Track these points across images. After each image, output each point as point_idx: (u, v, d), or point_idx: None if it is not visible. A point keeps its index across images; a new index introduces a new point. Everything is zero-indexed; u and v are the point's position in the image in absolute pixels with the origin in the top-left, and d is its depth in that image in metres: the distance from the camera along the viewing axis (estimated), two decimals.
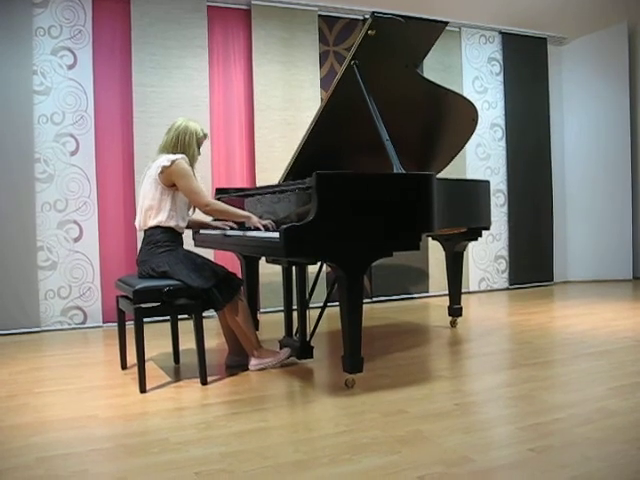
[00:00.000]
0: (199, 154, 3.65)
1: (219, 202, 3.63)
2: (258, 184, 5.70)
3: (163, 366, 3.78)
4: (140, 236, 3.66)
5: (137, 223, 3.59)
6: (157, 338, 4.34)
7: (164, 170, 3.41)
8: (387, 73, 3.74)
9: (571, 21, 7.02)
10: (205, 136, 3.67)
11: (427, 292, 6.67)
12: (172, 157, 3.43)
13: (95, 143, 5.31)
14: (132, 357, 3.45)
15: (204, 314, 3.38)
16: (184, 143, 3.54)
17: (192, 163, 3.56)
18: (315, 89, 6.11)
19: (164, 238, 3.45)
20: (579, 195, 7.41)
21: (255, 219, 3.47)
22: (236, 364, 3.70)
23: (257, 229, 3.42)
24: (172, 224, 3.48)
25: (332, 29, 6.25)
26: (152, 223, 3.47)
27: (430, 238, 5.03)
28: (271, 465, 2.23)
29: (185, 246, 3.60)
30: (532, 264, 7.19)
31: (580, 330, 4.54)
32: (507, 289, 7.08)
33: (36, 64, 5.13)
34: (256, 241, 3.35)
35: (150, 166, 3.56)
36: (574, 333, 4.45)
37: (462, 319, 4.94)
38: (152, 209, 3.47)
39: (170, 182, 3.44)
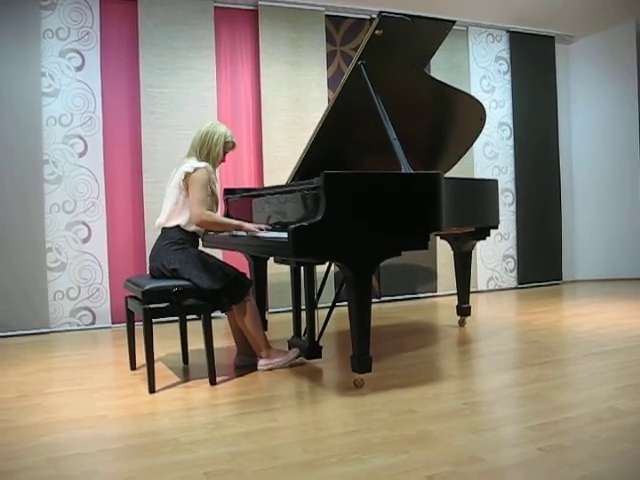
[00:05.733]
0: (223, 160, 3.70)
1: (213, 215, 3.55)
2: (266, 184, 5.71)
3: (172, 366, 3.79)
4: (152, 237, 3.66)
5: (158, 222, 3.62)
6: (166, 338, 4.35)
7: (187, 176, 3.46)
8: (394, 73, 3.74)
9: (579, 19, 6.97)
10: (233, 144, 3.70)
11: (435, 291, 6.66)
12: (196, 164, 3.47)
13: (103, 144, 5.33)
14: (141, 357, 3.46)
15: (213, 314, 3.38)
16: (212, 141, 3.58)
17: (215, 163, 3.63)
18: (322, 89, 6.11)
19: (179, 236, 3.49)
20: (587, 193, 7.39)
21: (247, 226, 3.51)
22: (245, 364, 3.71)
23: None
24: (191, 229, 3.53)
25: (339, 29, 6.25)
26: (171, 224, 3.52)
27: (438, 237, 5.03)
28: (280, 465, 2.23)
29: None
30: (540, 263, 7.17)
31: (589, 329, 4.52)
32: (516, 288, 7.06)
33: (44, 66, 5.15)
34: (264, 241, 3.36)
35: (177, 169, 3.58)
36: (583, 332, 4.43)
37: (471, 318, 4.93)
38: (174, 212, 3.52)
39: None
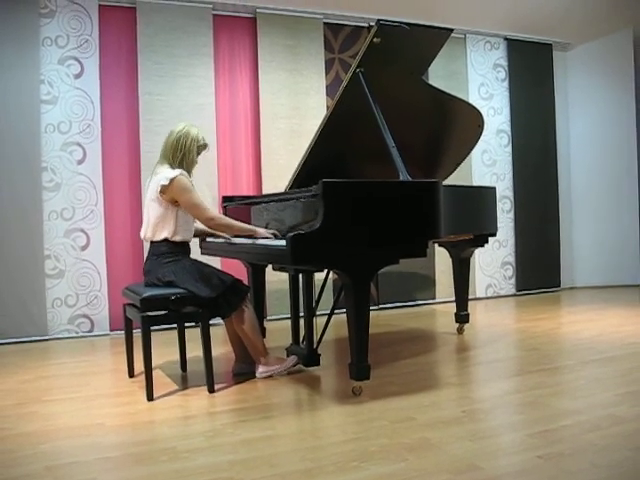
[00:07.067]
0: (197, 162, 3.63)
1: (224, 216, 3.58)
2: (264, 192, 5.71)
3: (170, 374, 3.78)
4: (146, 245, 3.65)
5: (143, 234, 3.58)
6: (164, 346, 4.35)
7: (164, 189, 3.39)
8: (392, 80, 3.75)
9: (576, 27, 7.01)
10: (205, 146, 3.64)
11: (434, 299, 6.65)
12: (170, 174, 3.39)
13: (102, 152, 5.34)
14: (139, 365, 3.45)
15: (211, 322, 3.38)
16: (184, 147, 3.50)
17: (190, 169, 3.56)
18: (321, 97, 6.12)
19: (170, 250, 3.46)
20: (586, 200, 7.40)
21: (261, 231, 3.48)
22: (243, 372, 3.70)
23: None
24: (178, 239, 3.48)
25: (337, 37, 6.27)
26: (158, 237, 3.47)
27: (437, 245, 5.03)
28: (279, 473, 2.23)
29: (192, 255, 3.61)
30: (539, 270, 7.16)
31: (588, 336, 4.52)
32: (514, 295, 7.06)
33: (43, 74, 5.16)
34: (263, 249, 3.35)
35: (152, 178, 3.53)
36: (582, 339, 4.43)
37: (469, 326, 4.92)
38: (158, 225, 3.47)
39: (172, 199, 3.42)
